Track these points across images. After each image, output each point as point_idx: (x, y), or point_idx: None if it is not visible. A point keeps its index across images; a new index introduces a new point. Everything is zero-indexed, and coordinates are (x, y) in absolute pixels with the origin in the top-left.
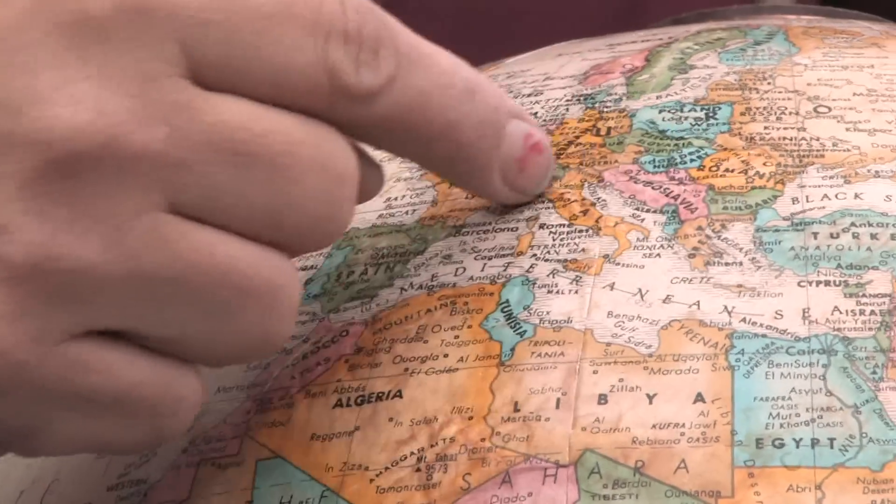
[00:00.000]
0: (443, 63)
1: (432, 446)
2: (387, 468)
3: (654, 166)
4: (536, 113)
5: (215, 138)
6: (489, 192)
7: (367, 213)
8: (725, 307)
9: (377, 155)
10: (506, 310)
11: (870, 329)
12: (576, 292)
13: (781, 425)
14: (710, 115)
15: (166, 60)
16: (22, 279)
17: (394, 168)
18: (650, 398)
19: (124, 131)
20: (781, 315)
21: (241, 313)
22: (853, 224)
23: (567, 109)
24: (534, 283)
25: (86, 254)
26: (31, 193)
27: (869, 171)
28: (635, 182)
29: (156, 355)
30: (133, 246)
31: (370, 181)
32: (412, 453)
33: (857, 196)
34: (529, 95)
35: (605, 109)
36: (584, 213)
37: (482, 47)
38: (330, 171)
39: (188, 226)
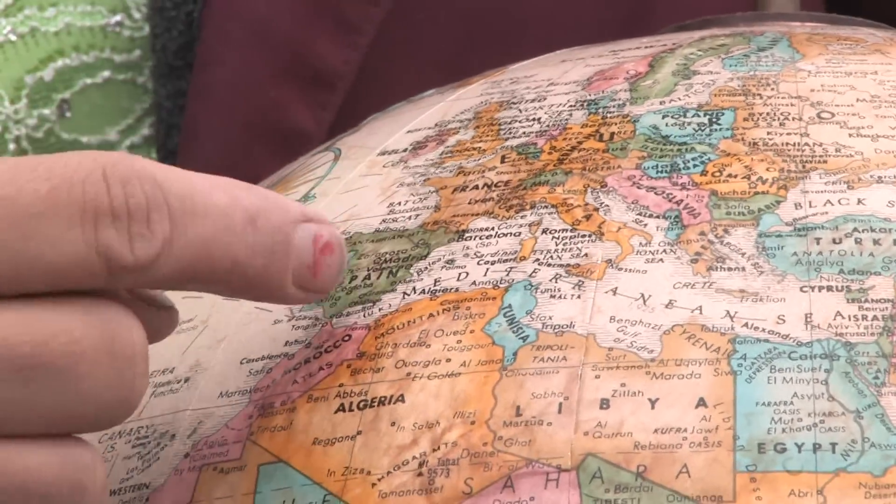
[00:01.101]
0: (219, 200)
1: (434, 451)
2: (389, 473)
3: (657, 171)
4: (540, 118)
5: None
6: (286, 301)
7: (370, 219)
8: (728, 312)
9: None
10: (508, 314)
11: (872, 334)
12: (578, 297)
13: (783, 430)
14: (714, 120)
15: None
16: None
17: (397, 173)
18: (652, 403)
19: None
20: (784, 320)
21: None
22: (856, 229)
23: (570, 115)
24: (536, 288)
25: None
26: None
27: (872, 176)
28: (638, 187)
29: None
30: None
31: (162, 324)
32: (414, 458)
33: (859, 202)
34: (533, 101)
35: (609, 115)
36: (587, 218)
37: (489, 56)
38: (117, 354)
39: None
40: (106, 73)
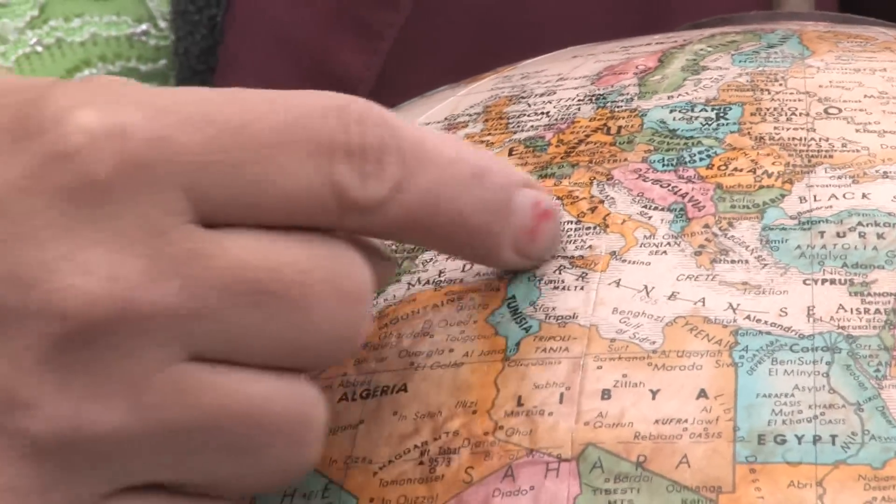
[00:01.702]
0: (448, 152)
1: (436, 440)
2: (390, 461)
3: (664, 165)
4: (548, 112)
5: (228, 283)
6: (502, 264)
7: None
8: (730, 304)
9: None
10: (512, 305)
11: (874, 327)
12: (581, 288)
13: (784, 422)
14: (721, 115)
15: (172, 211)
16: (48, 453)
17: None
18: (653, 394)
19: (138, 294)
20: (786, 313)
21: (271, 449)
22: (860, 223)
23: (579, 109)
24: (540, 280)
25: (110, 419)
26: (50, 367)
27: (877, 171)
28: (644, 180)
29: (191, 498)
30: (156, 403)
31: (383, 273)
32: (416, 447)
33: (864, 196)
34: (542, 95)
35: (617, 109)
36: (592, 210)
37: (506, 60)
38: (345, 291)
39: (210, 372)
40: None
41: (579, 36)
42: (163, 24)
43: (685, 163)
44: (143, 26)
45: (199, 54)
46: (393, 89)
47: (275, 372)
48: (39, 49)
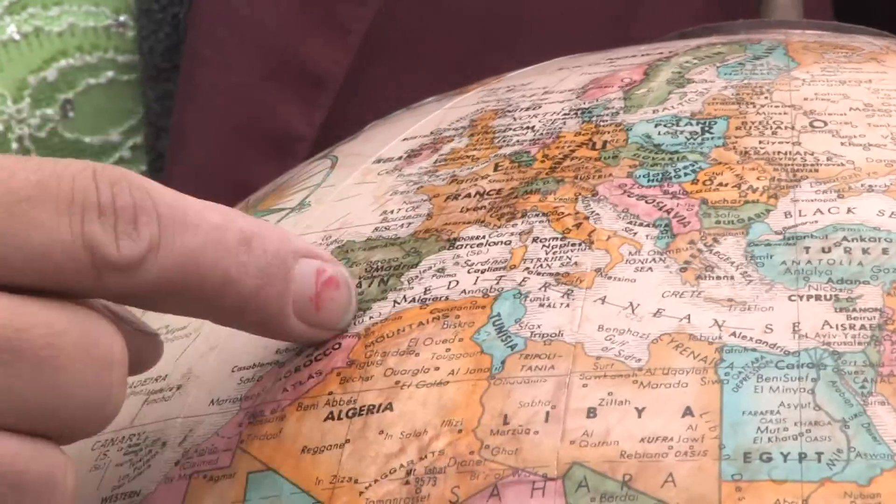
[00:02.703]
0: (212, 218)
1: (421, 459)
2: (376, 481)
3: (649, 180)
4: (534, 126)
5: None
6: (290, 335)
7: (362, 227)
8: (716, 321)
9: None
10: (497, 323)
11: (859, 343)
12: (567, 306)
13: (769, 439)
14: (706, 129)
15: None
16: None
17: (391, 181)
18: (639, 412)
19: None
20: (771, 329)
21: None
22: (845, 238)
23: (564, 123)
24: (526, 297)
25: None
26: None
27: (862, 185)
28: (629, 196)
29: None
30: None
31: (146, 352)
32: (401, 466)
33: (849, 210)
34: (528, 109)
35: (602, 123)
36: (577, 226)
37: (480, 54)
38: (96, 357)
39: None
40: (109, 74)
41: (555, 29)
42: None
43: (670, 178)
44: (122, 18)
45: (163, 52)
46: (365, 85)
47: (23, 435)
48: (17, 37)
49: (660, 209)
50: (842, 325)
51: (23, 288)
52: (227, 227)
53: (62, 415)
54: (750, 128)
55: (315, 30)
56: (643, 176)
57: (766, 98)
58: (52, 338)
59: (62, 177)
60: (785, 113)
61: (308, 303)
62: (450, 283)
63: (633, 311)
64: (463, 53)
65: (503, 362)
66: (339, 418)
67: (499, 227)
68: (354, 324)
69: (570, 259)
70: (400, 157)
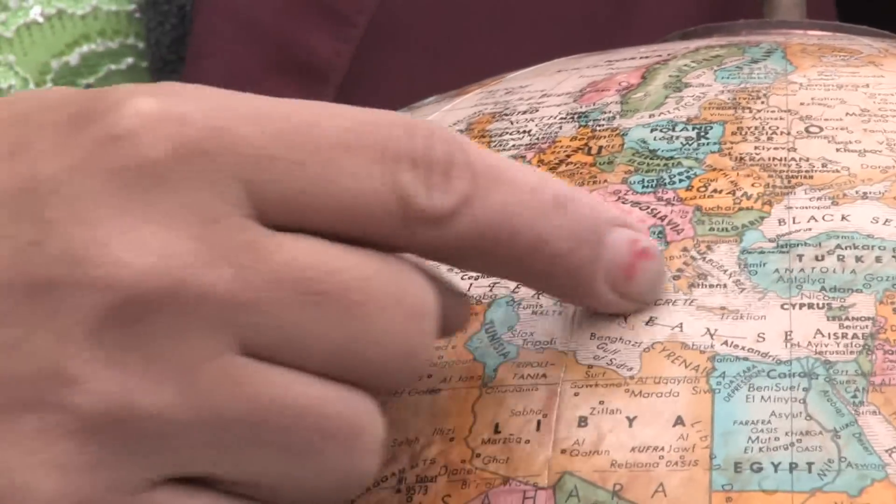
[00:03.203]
0: (528, 178)
1: (413, 467)
2: (368, 489)
3: (643, 186)
4: (530, 131)
5: (284, 277)
6: (599, 303)
7: None
8: (708, 330)
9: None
10: (490, 330)
11: (851, 353)
12: (560, 314)
13: (760, 449)
14: (702, 134)
15: (230, 201)
16: (95, 429)
17: None
18: (630, 421)
19: (190, 273)
20: (763, 338)
21: (323, 454)
22: (839, 246)
23: (560, 127)
24: (519, 304)
25: (159, 400)
26: (99, 341)
27: (857, 192)
28: (623, 202)
29: (241, 500)
30: (206, 389)
31: (455, 313)
32: (393, 474)
33: (843, 218)
34: (525, 112)
35: (598, 128)
36: None
37: (478, 45)
38: (406, 305)
39: (262, 367)
40: (130, 60)
41: (551, 20)
42: None
43: (665, 184)
44: (137, 5)
45: (169, 44)
46: (366, 76)
47: (331, 381)
48: (40, 20)
49: (654, 216)
50: (834, 334)
51: (335, 236)
52: (543, 189)
53: (371, 363)
54: (746, 133)
55: (317, 21)
56: (638, 182)
57: (762, 103)
58: (363, 282)
59: (377, 125)
60: (781, 118)
61: (620, 272)
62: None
63: (625, 319)
64: (465, 44)
65: (496, 370)
66: None
67: None
68: None
69: None
70: None
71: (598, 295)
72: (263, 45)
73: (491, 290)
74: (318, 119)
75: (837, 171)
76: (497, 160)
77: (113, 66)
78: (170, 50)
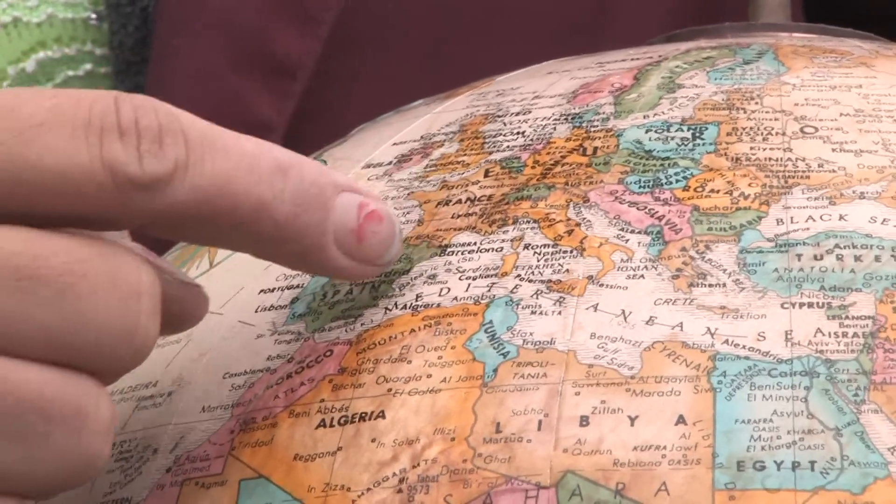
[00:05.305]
0: (246, 145)
1: (414, 467)
2: (368, 489)
3: (640, 186)
4: (524, 132)
5: None
6: (331, 267)
7: None
8: (708, 329)
9: None
10: (489, 330)
11: (852, 351)
12: (559, 313)
13: (762, 448)
14: (697, 135)
15: None
16: None
17: (381, 187)
18: (632, 420)
19: None
20: (764, 337)
21: (48, 439)
22: (837, 245)
23: (554, 129)
24: (518, 304)
25: None
26: None
27: (854, 192)
28: (620, 202)
29: None
30: None
31: (191, 304)
32: (394, 474)
33: (841, 217)
34: (518, 114)
35: (592, 129)
36: (569, 233)
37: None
38: (120, 286)
39: None
40: (87, 66)
41: (527, 17)
42: None
43: (661, 184)
44: (100, 9)
45: (132, 46)
46: (337, 74)
47: (51, 364)
48: None
49: (651, 216)
50: (834, 333)
51: (47, 218)
52: (261, 154)
53: (88, 345)
54: (741, 134)
55: (284, 20)
56: (634, 182)
57: (756, 103)
58: (73, 265)
59: (79, 100)
60: (776, 119)
61: (350, 234)
62: (441, 289)
63: (625, 318)
64: (434, 43)
65: (495, 370)
66: (332, 426)
67: (490, 234)
68: (346, 330)
69: (561, 266)
70: (390, 163)
71: (331, 259)
72: (231, 43)
73: (489, 290)
74: (18, 102)
75: (834, 171)
76: (212, 128)
77: (70, 73)
78: (133, 52)
